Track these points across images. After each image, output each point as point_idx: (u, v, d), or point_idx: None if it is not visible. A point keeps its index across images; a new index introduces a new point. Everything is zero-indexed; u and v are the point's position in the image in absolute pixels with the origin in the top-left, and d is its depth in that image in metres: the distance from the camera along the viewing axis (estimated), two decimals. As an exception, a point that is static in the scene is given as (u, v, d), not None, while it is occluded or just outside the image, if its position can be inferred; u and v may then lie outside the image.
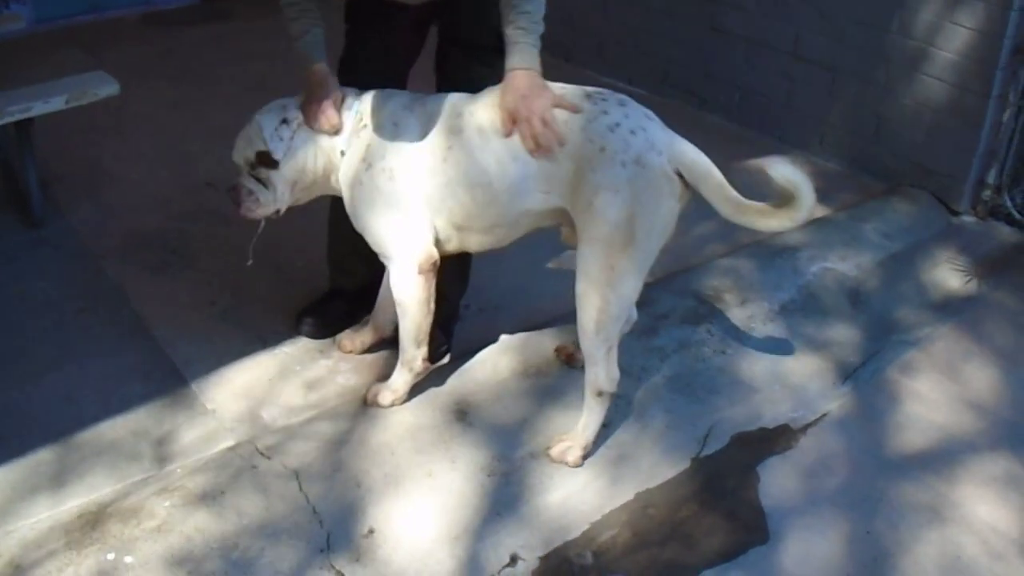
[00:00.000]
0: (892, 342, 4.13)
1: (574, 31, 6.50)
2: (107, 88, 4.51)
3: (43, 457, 3.31)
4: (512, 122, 3.09)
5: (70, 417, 3.47)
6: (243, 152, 3.32)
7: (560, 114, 3.07)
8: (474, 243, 3.33)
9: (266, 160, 3.26)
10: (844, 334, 4.12)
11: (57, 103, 4.34)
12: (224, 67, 6.30)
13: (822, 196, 5.03)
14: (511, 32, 3.17)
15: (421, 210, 3.20)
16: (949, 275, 4.61)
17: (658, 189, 3.01)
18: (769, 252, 4.46)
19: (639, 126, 3.03)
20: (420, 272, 3.25)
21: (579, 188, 3.05)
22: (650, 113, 3.11)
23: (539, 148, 3.06)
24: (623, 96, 3.13)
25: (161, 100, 5.79)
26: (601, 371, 3.21)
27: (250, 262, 3.55)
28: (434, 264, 3.27)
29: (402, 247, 3.24)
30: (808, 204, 2.96)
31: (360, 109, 3.27)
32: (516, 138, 3.09)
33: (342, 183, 3.31)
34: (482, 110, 3.16)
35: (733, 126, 5.84)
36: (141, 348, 3.82)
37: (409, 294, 3.29)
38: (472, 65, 3.46)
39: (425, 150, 3.17)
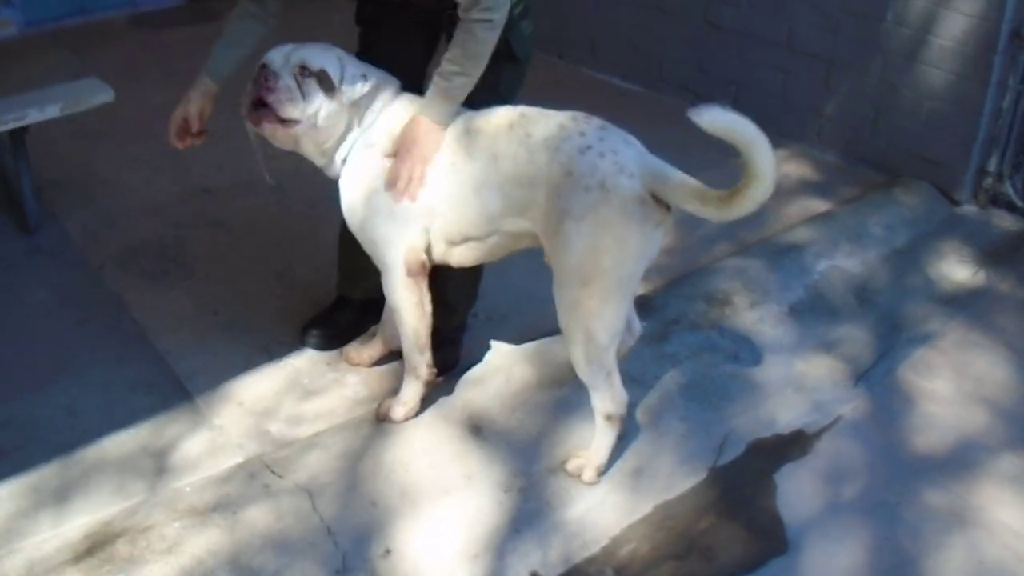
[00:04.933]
0: (902, 340, 4.10)
1: (567, 27, 6.44)
2: (102, 95, 4.45)
3: (45, 472, 3.25)
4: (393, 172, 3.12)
5: (72, 430, 3.41)
6: (296, 55, 3.13)
7: (539, 133, 2.99)
8: (456, 257, 3.26)
9: (324, 79, 3.11)
10: (854, 333, 4.09)
11: (52, 111, 4.29)
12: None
13: (822, 190, 5.09)
14: (436, 76, 3.14)
15: (416, 217, 3.14)
16: (954, 267, 4.58)
17: (626, 215, 2.87)
18: (776, 250, 4.42)
19: (610, 149, 2.91)
20: (408, 274, 3.19)
21: (548, 216, 2.97)
22: (630, 138, 2.99)
23: (394, 190, 3.09)
24: (605, 122, 3.02)
25: (152, 103, 5.63)
26: (605, 397, 3.15)
27: (272, 182, 3.55)
28: (422, 266, 3.21)
29: (392, 251, 3.19)
30: (764, 166, 2.66)
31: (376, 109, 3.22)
32: (501, 163, 3.03)
33: (343, 177, 3.26)
34: (485, 129, 3.10)
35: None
36: (143, 359, 3.76)
37: (400, 297, 3.24)
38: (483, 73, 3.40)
39: (434, 164, 3.11)
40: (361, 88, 3.13)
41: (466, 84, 3.12)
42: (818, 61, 5.36)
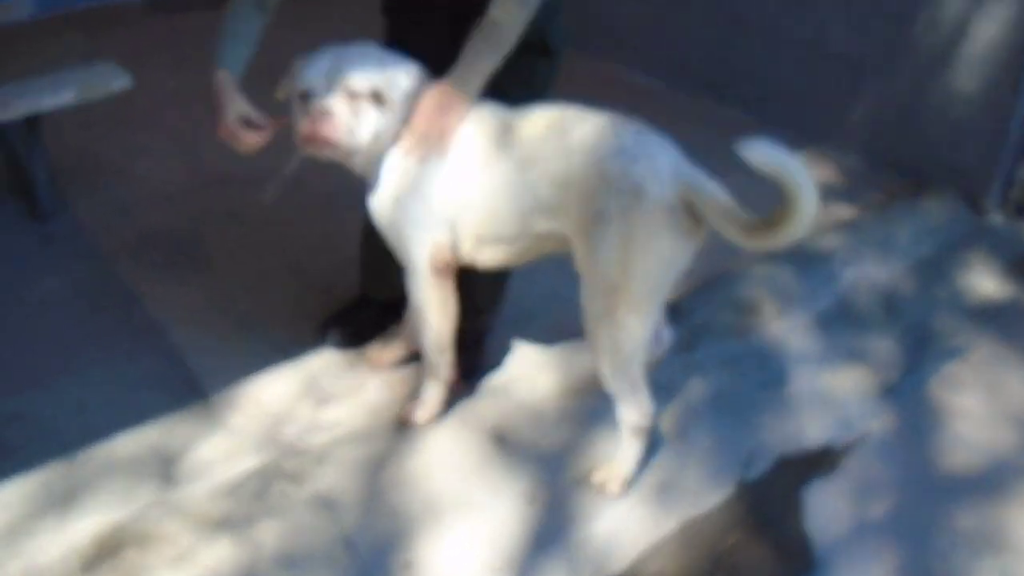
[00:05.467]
0: (930, 353, 4.01)
1: (587, 20, 6.35)
2: (119, 81, 4.37)
3: (52, 471, 3.16)
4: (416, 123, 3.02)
5: (81, 428, 3.32)
6: (338, 73, 2.97)
7: (577, 134, 2.89)
8: (484, 258, 3.16)
9: (378, 98, 2.99)
10: (881, 345, 4.01)
11: (68, 97, 4.21)
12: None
13: (846, 194, 5.01)
14: (468, 47, 3.04)
15: (445, 213, 3.05)
16: (982, 278, 4.50)
17: (656, 223, 2.78)
18: (804, 258, 4.34)
19: (645, 153, 2.81)
20: (434, 273, 3.11)
21: (581, 218, 2.88)
22: (667, 143, 2.88)
23: (417, 152, 3.01)
24: (643, 126, 2.92)
25: (167, 90, 5.64)
26: (631, 408, 3.07)
27: (269, 195, 3.44)
28: (448, 265, 3.13)
29: (419, 249, 3.10)
30: (806, 205, 2.57)
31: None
32: (536, 163, 2.93)
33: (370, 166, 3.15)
34: (522, 128, 3.00)
35: (752, 120, 5.66)
36: (155, 355, 3.68)
37: (425, 296, 3.16)
38: (515, 63, 3.30)
39: (468, 159, 3.01)
40: (407, 84, 3.03)
41: (494, 60, 3.02)
42: (845, 62, 5.27)
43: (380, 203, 3.16)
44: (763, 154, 2.51)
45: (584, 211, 2.85)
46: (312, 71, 2.98)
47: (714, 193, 2.78)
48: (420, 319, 3.24)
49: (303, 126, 2.99)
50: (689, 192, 2.78)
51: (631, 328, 2.91)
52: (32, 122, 4.23)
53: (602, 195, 2.81)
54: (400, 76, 3.02)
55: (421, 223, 3.07)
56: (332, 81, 2.95)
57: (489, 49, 3.01)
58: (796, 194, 2.55)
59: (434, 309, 3.19)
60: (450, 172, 3.02)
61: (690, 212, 2.80)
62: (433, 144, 2.99)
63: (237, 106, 3.12)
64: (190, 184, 4.78)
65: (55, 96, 4.18)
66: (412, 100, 3.04)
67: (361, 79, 2.95)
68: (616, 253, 2.81)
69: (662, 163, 2.81)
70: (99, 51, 5.70)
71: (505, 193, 2.98)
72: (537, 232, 3.02)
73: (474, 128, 3.02)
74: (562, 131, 2.92)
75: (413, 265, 3.14)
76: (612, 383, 3.03)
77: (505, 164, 2.97)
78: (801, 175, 2.53)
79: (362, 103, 2.97)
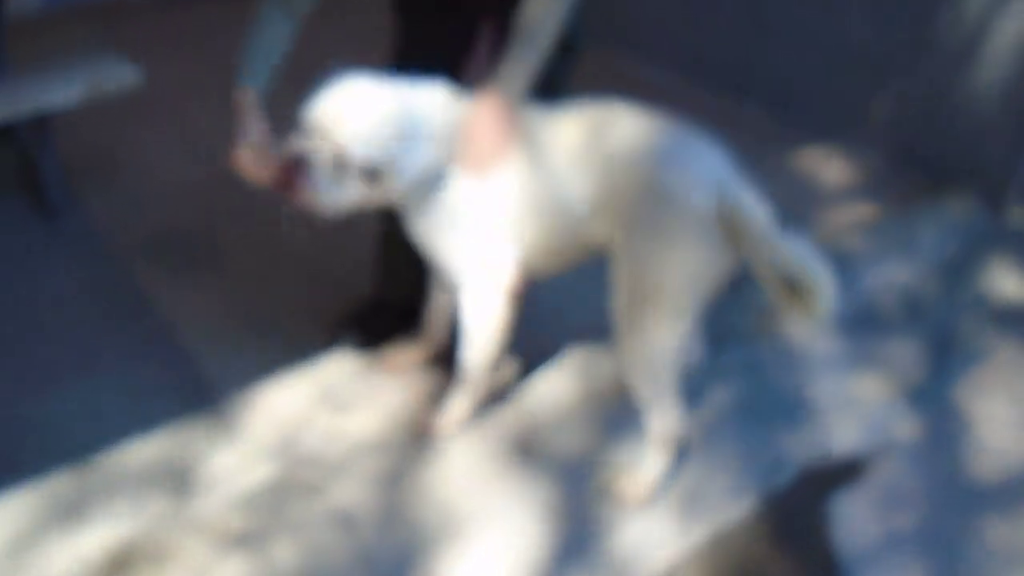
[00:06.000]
0: (954, 357, 3.95)
1: (603, 14, 6.25)
2: (130, 77, 4.28)
3: (61, 480, 3.09)
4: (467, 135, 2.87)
5: (90, 435, 3.25)
6: (333, 128, 2.66)
7: (616, 135, 2.80)
8: (541, 267, 3.09)
9: (371, 175, 2.73)
10: (905, 350, 3.94)
11: (79, 92, 4.13)
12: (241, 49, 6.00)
13: (868, 192, 4.95)
14: (509, 51, 2.92)
15: (505, 233, 2.95)
16: (1004, 280, 4.44)
17: (696, 233, 2.70)
18: (826, 259, 4.25)
19: (687, 160, 2.73)
20: (506, 299, 3.02)
21: (619, 223, 2.79)
22: (713, 148, 2.78)
23: (469, 167, 2.85)
24: (687, 128, 2.82)
25: (179, 84, 5.55)
26: (657, 419, 3.01)
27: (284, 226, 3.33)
28: (520, 290, 3.05)
29: (486, 272, 2.99)
30: (824, 307, 2.67)
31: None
32: (586, 165, 2.83)
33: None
34: (561, 130, 2.90)
35: (773, 118, 5.59)
36: (167, 359, 3.61)
37: (491, 321, 3.05)
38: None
39: (506, 171, 2.91)
40: (423, 163, 2.78)
41: (536, 60, 2.92)
42: (867, 60, 5.19)
43: (435, 230, 3.00)
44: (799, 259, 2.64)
45: (623, 217, 2.77)
46: (314, 112, 2.71)
47: (751, 209, 2.68)
48: (472, 339, 3.12)
49: (273, 171, 2.80)
50: (728, 205, 2.69)
51: (661, 338, 2.83)
52: (42, 118, 4.16)
53: (642, 202, 2.73)
54: (426, 123, 2.77)
55: (490, 244, 2.97)
56: (326, 133, 2.67)
57: (530, 50, 2.90)
58: (817, 292, 2.66)
59: (497, 333, 3.08)
60: (498, 193, 2.92)
61: (728, 224, 2.71)
62: (494, 159, 2.85)
63: (255, 133, 2.98)
64: (203, 181, 4.69)
65: (65, 91, 4.10)
66: (453, 124, 2.87)
67: (361, 146, 2.66)
68: (653, 260, 2.73)
69: (706, 170, 2.72)
70: (112, 44, 5.63)
71: (544, 202, 2.89)
72: (595, 238, 2.92)
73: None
74: (599, 133, 2.83)
75: (480, 289, 3.03)
76: (641, 392, 2.96)
77: (540, 172, 2.89)
78: (827, 283, 2.66)
79: (350, 173, 2.70)
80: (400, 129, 2.69)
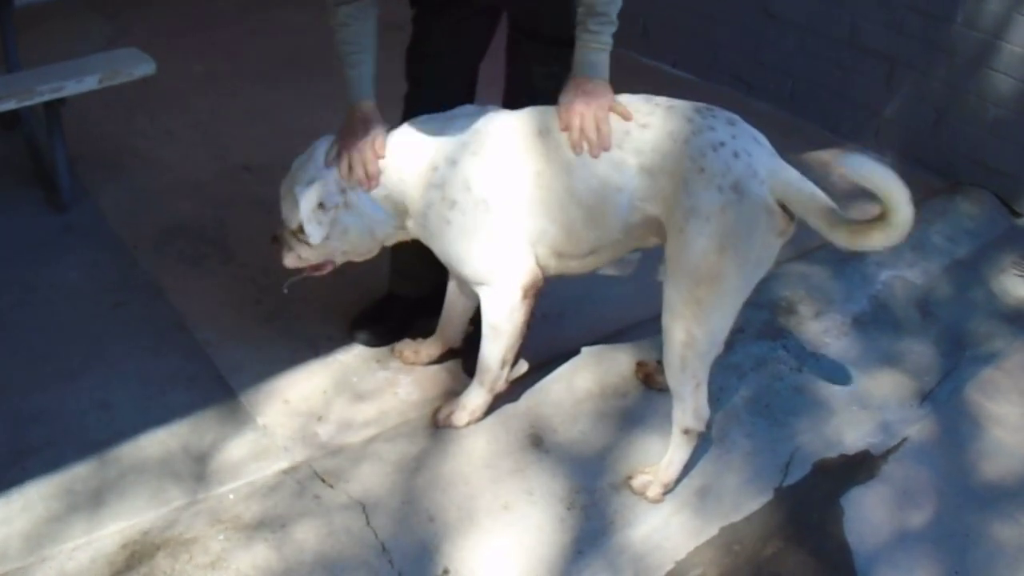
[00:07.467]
0: (967, 358, 3.95)
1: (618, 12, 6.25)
2: (143, 67, 4.28)
3: (78, 472, 3.09)
4: (567, 121, 2.88)
5: (106, 427, 3.25)
6: (286, 212, 3.18)
7: (666, 126, 2.81)
8: (575, 267, 3.09)
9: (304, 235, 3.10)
10: (917, 349, 3.93)
11: (90, 83, 4.13)
12: (252, 40, 5.98)
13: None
14: (579, 31, 2.98)
15: (521, 237, 2.96)
16: (1017, 282, 4.42)
17: (754, 221, 2.73)
18: (838, 257, 4.24)
19: (744, 149, 2.74)
20: (524, 298, 3.03)
21: (673, 210, 2.79)
22: (760, 136, 2.83)
23: (583, 149, 2.85)
24: (733, 115, 2.85)
25: (189, 75, 5.53)
26: (688, 409, 3.00)
27: (285, 290, 3.39)
28: (539, 288, 3.05)
29: (504, 273, 3.00)
30: (903, 216, 2.58)
31: (425, 151, 3.01)
32: (613, 152, 2.84)
33: (421, 227, 3.06)
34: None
35: (783, 115, 5.57)
36: (181, 350, 3.60)
37: (510, 320, 3.06)
38: (550, 61, 3.23)
39: (516, 175, 2.92)
40: (344, 218, 3.13)
41: (608, 37, 3.00)
42: (880, 59, 5.18)
43: (447, 251, 3.07)
44: (862, 168, 2.54)
45: (679, 203, 2.78)
46: (281, 200, 3.22)
47: (811, 192, 2.72)
48: (491, 336, 3.13)
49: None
50: (785, 191, 2.73)
51: (709, 324, 2.86)
52: (53, 108, 4.14)
53: (700, 189, 2.74)
54: (317, 211, 3.08)
55: (501, 252, 3.00)
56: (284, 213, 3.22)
57: (600, 27, 2.97)
58: (894, 207, 2.55)
59: (516, 331, 3.10)
60: (510, 198, 2.94)
61: (784, 210, 2.74)
62: (596, 137, 2.86)
63: (379, 146, 3.05)
64: (215, 171, 4.69)
65: (77, 82, 4.08)
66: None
67: (288, 212, 3.18)
68: (708, 248, 2.74)
69: (759, 160, 2.75)
70: (122, 33, 5.63)
71: (569, 199, 2.91)
72: (632, 225, 2.94)
73: (518, 125, 2.96)
74: (635, 123, 2.86)
75: (500, 289, 3.04)
76: (677, 379, 2.96)
77: (561, 170, 2.90)
78: (899, 190, 2.54)
79: (302, 236, 3.14)
80: (315, 211, 3.07)
